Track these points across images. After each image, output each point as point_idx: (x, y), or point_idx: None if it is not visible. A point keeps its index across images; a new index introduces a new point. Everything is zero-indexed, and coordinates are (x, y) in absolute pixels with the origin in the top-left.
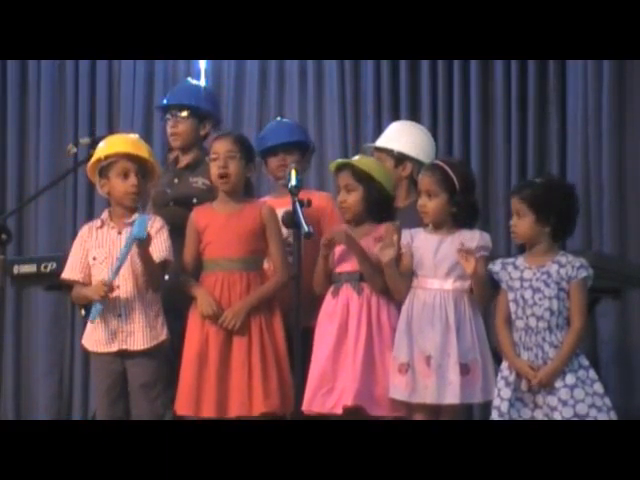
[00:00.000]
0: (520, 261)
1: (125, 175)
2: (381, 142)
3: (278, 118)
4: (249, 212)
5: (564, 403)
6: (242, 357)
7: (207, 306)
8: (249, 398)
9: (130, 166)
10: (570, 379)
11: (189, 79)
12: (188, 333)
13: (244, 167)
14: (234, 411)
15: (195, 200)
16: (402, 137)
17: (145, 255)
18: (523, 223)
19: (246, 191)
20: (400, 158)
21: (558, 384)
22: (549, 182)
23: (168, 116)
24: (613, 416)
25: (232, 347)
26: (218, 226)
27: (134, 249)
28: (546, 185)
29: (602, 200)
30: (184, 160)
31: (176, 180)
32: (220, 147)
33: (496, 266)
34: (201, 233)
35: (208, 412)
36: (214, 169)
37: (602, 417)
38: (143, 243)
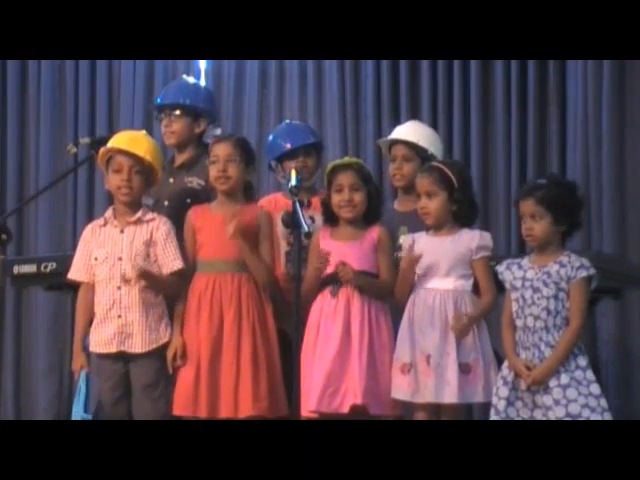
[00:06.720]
0: (525, 261)
1: (118, 170)
2: (412, 138)
3: (287, 121)
4: (246, 215)
5: (557, 402)
6: (230, 358)
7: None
8: (236, 400)
9: (123, 161)
10: (564, 379)
11: (184, 76)
12: (184, 333)
13: (244, 170)
14: (223, 412)
15: (189, 200)
16: (431, 139)
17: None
18: (540, 225)
19: (246, 194)
20: (428, 159)
21: (552, 383)
22: (558, 181)
23: (162, 115)
24: (607, 417)
25: (222, 347)
26: (213, 227)
27: (141, 248)
28: (557, 184)
29: (602, 200)
30: (179, 159)
31: (171, 180)
32: (220, 151)
33: (501, 267)
34: (196, 233)
35: (202, 412)
36: (213, 171)
37: (595, 418)
38: None
